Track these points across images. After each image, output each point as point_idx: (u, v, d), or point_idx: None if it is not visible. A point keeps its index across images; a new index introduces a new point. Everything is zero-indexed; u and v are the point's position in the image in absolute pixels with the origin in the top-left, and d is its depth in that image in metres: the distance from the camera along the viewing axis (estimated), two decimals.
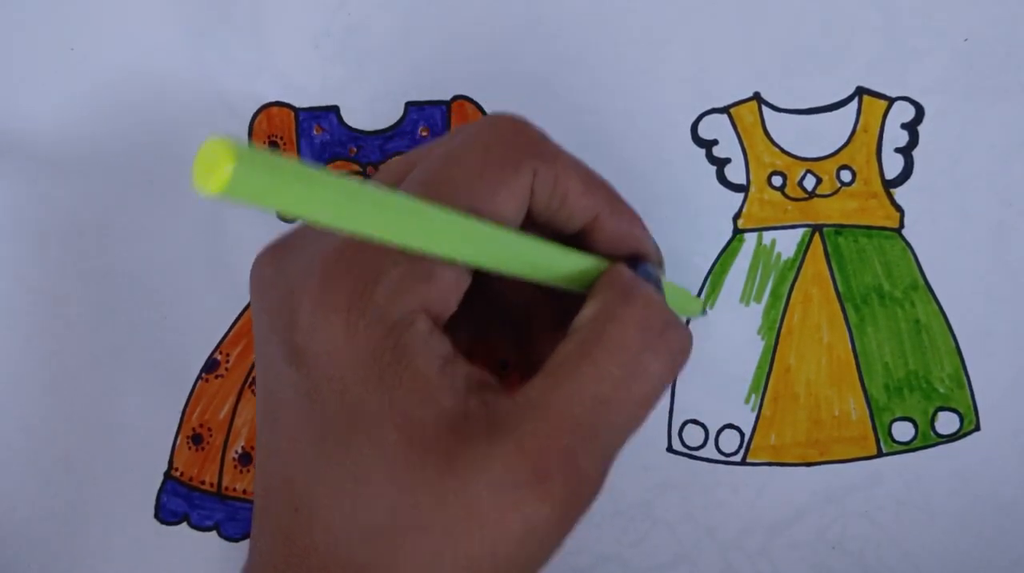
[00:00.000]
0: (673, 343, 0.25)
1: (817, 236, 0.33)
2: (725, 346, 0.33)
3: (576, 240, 0.27)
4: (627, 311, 0.24)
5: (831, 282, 0.33)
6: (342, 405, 0.23)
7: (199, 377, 0.33)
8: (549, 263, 0.25)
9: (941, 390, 0.33)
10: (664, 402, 0.33)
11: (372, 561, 0.22)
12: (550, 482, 0.22)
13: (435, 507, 0.22)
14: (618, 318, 0.24)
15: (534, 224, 0.26)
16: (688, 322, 0.33)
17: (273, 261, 0.25)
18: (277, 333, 0.24)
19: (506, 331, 0.31)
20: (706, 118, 0.33)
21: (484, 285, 0.26)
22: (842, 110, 0.33)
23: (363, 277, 0.23)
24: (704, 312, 0.33)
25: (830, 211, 0.33)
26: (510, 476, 0.22)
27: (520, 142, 0.25)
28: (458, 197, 0.23)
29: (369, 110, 0.34)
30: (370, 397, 0.23)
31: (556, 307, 0.28)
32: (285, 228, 0.34)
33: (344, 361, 0.23)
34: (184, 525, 0.33)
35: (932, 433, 0.32)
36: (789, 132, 0.33)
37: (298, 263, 0.24)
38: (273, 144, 0.34)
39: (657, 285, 0.26)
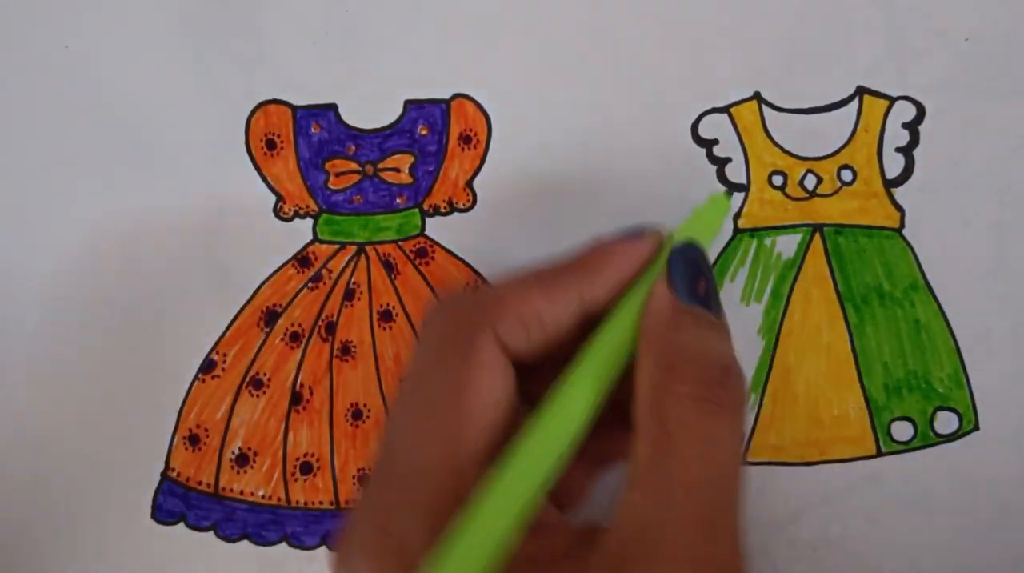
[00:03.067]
0: (730, 396, 0.24)
1: (817, 236, 0.33)
2: None
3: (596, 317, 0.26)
4: (676, 389, 0.24)
5: (831, 282, 0.33)
6: None
7: (196, 377, 0.33)
8: (597, 386, 0.25)
9: (940, 390, 0.33)
10: None
11: None
12: None
13: None
14: (672, 401, 0.23)
15: (531, 360, 0.25)
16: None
17: None
18: None
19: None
20: (706, 118, 0.33)
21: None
22: (843, 110, 0.33)
23: None
24: (729, 196, 0.30)
25: (830, 211, 0.33)
26: None
27: (461, 323, 0.25)
28: (443, 425, 0.24)
29: (368, 108, 0.34)
30: None
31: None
32: (283, 227, 0.34)
33: None
34: (181, 525, 0.33)
35: (931, 433, 0.33)
36: (790, 132, 0.33)
37: None
38: (271, 142, 0.34)
39: (694, 256, 0.26)
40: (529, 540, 0.23)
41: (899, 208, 0.33)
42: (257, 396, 0.33)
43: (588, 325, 0.26)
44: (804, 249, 0.33)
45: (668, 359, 0.24)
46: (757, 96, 0.33)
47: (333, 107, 0.34)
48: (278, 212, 0.34)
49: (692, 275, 0.26)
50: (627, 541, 0.22)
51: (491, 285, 0.25)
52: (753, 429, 0.33)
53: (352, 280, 0.34)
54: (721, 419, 0.24)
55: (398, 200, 0.34)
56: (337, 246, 0.34)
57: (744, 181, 0.33)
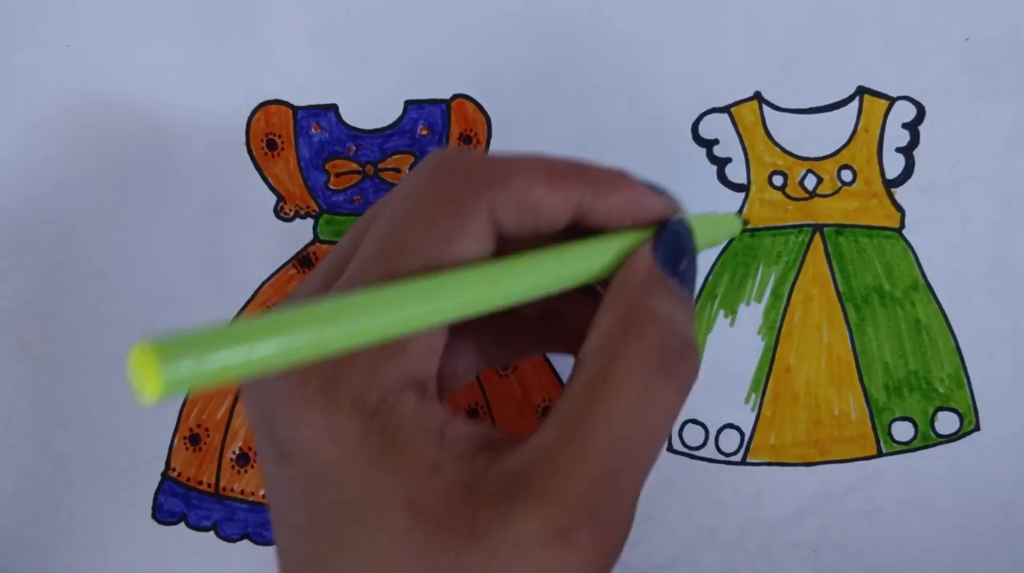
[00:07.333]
0: (683, 370, 0.23)
1: (818, 236, 0.33)
2: (725, 346, 0.33)
3: (570, 231, 0.25)
4: (633, 346, 0.23)
5: (831, 282, 0.33)
6: (342, 499, 0.22)
7: None
8: (546, 278, 0.24)
9: (941, 390, 0.33)
10: None
11: None
12: (576, 535, 0.21)
13: None
14: (624, 353, 0.23)
15: (513, 241, 0.24)
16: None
17: None
18: (263, 436, 0.23)
19: (507, 338, 0.30)
20: (707, 117, 0.33)
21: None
22: (843, 109, 0.33)
23: (332, 367, 0.22)
24: (745, 225, 0.32)
25: (831, 211, 0.33)
26: (534, 536, 0.21)
27: (464, 179, 0.24)
28: (416, 261, 0.22)
29: (368, 108, 0.34)
30: (370, 488, 0.22)
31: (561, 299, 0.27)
32: (284, 227, 0.34)
33: (332, 457, 0.22)
34: (182, 525, 0.33)
35: (932, 433, 0.32)
36: (790, 131, 0.33)
37: None
38: (271, 142, 0.34)
39: (686, 236, 0.25)
40: (429, 439, 0.22)
41: (899, 208, 0.33)
42: None
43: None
44: (804, 249, 0.33)
45: (634, 316, 0.23)
46: (758, 96, 0.33)
47: (334, 107, 0.34)
48: (279, 212, 0.34)
49: (678, 250, 0.25)
50: (528, 469, 0.22)
51: (501, 155, 0.25)
52: (753, 430, 0.33)
53: None
54: (666, 389, 0.23)
55: None
56: None
57: (744, 181, 0.33)
